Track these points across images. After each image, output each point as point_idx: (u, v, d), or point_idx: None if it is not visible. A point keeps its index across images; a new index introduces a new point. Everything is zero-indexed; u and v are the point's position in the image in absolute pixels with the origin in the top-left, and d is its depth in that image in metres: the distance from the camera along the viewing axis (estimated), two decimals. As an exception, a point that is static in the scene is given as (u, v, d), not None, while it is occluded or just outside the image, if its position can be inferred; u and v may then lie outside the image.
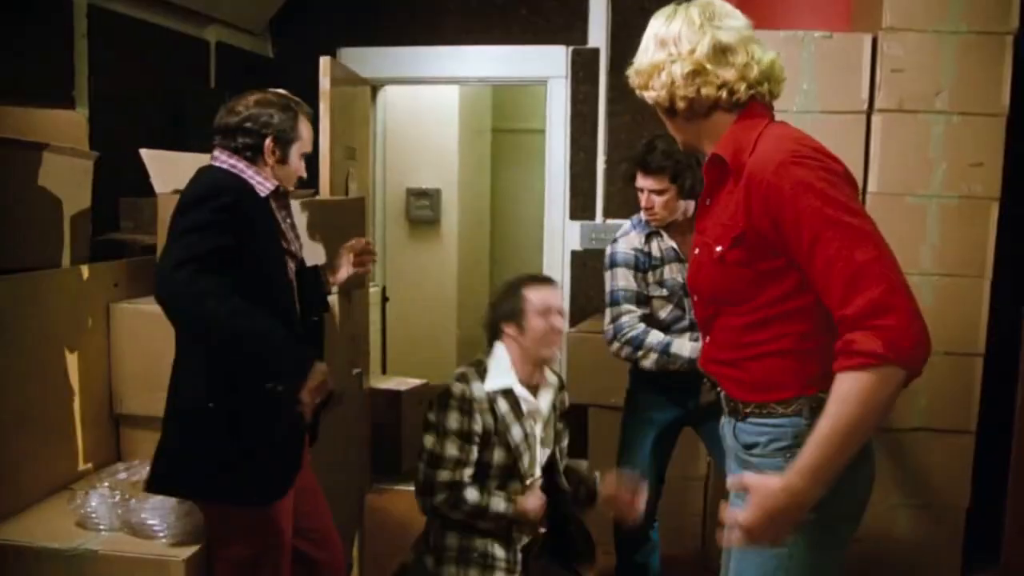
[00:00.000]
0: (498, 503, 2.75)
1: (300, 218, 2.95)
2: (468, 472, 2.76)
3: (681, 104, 1.85)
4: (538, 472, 2.90)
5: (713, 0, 1.88)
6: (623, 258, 3.19)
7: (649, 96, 1.91)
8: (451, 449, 2.73)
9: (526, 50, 4.64)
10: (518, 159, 7.62)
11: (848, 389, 1.60)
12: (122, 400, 2.96)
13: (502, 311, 2.86)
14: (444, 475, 2.73)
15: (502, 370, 2.83)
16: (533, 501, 2.81)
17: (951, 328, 3.58)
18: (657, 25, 1.90)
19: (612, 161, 4.63)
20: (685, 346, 3.05)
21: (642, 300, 3.17)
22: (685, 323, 3.15)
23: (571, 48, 4.63)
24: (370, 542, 3.84)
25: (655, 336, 3.09)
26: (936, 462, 3.66)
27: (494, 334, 2.88)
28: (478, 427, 2.75)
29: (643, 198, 3.12)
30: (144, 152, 3.07)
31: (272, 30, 4.85)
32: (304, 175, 2.56)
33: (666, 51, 1.85)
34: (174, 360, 2.44)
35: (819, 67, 3.54)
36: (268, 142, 2.40)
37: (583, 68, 4.63)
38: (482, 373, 2.82)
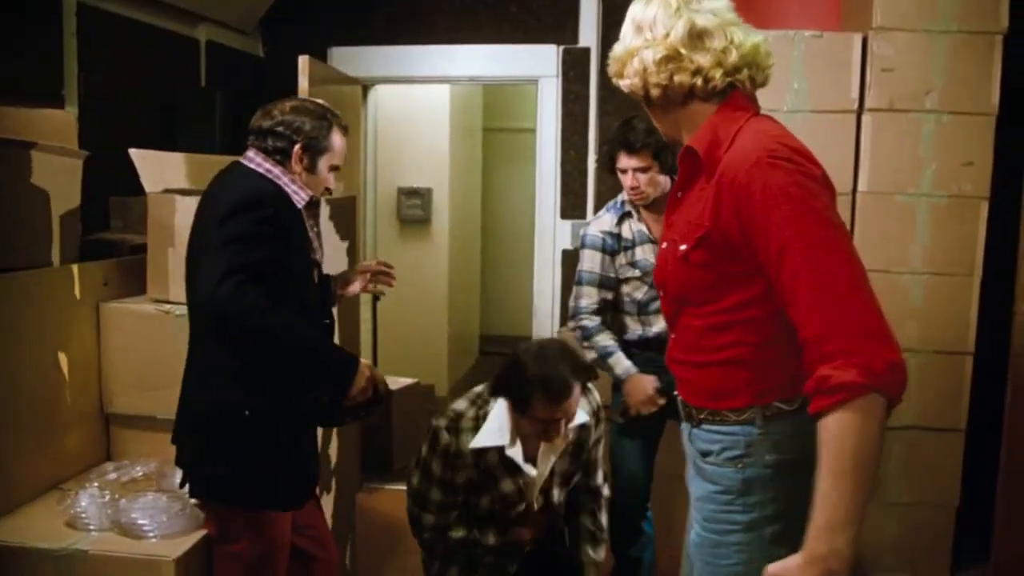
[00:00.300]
0: (488, 536, 2.74)
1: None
2: (454, 514, 2.75)
3: (655, 92, 1.76)
4: (536, 505, 2.79)
5: None
6: (591, 240, 3.26)
7: (624, 84, 1.82)
8: (435, 494, 2.72)
9: (517, 49, 4.64)
10: (509, 158, 7.64)
11: (836, 432, 1.51)
12: (112, 400, 2.96)
13: (507, 388, 2.60)
14: (428, 519, 2.75)
15: (497, 428, 2.65)
16: (525, 532, 2.79)
17: (941, 327, 3.59)
18: (635, 10, 1.80)
19: (601, 161, 4.63)
20: (621, 364, 3.16)
21: (607, 284, 3.23)
22: (659, 303, 3.15)
23: (562, 47, 4.62)
24: (361, 541, 3.84)
25: (603, 340, 3.19)
26: (926, 460, 3.67)
27: (497, 392, 2.67)
28: (461, 479, 2.69)
29: (627, 178, 3.14)
30: (133, 152, 3.07)
31: (263, 29, 4.84)
32: (332, 187, 2.56)
33: (642, 37, 1.76)
34: (194, 363, 2.44)
35: (809, 66, 3.55)
36: (297, 148, 2.41)
37: (574, 67, 4.63)
38: (477, 421, 2.67)
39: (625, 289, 3.25)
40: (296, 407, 2.38)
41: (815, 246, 1.56)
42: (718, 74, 1.71)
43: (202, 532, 2.51)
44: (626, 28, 1.81)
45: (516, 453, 2.64)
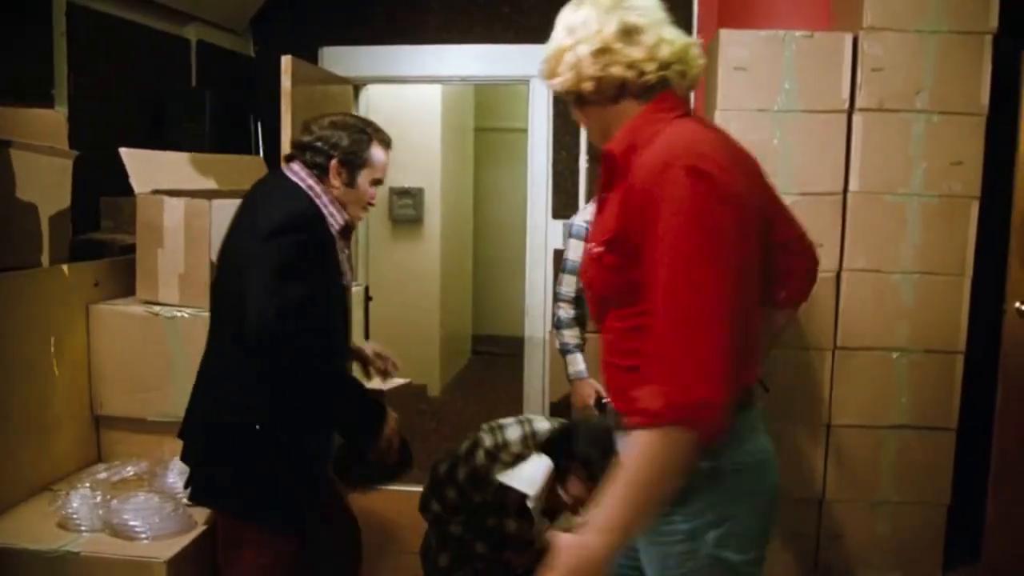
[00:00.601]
0: (478, 545, 2.81)
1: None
2: (459, 517, 2.81)
3: (588, 86, 1.73)
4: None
5: None
6: (575, 230, 3.42)
7: (556, 83, 1.78)
8: (450, 492, 2.78)
9: (508, 49, 4.64)
10: (500, 158, 7.64)
11: (636, 449, 1.51)
12: (102, 401, 2.96)
13: (553, 453, 2.67)
14: (435, 507, 2.83)
15: (529, 477, 2.68)
16: (518, 559, 2.85)
17: (932, 326, 3.61)
18: (566, 14, 1.80)
19: (594, 160, 4.64)
20: (575, 364, 3.39)
21: None
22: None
23: (553, 47, 4.62)
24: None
25: (568, 335, 3.41)
26: (917, 459, 3.68)
27: (544, 450, 2.72)
28: (477, 498, 2.76)
29: None
30: (124, 151, 3.07)
31: (254, 29, 4.83)
32: (375, 203, 2.58)
33: (573, 36, 1.74)
34: (212, 365, 2.44)
35: (800, 66, 3.56)
36: (334, 163, 2.43)
37: (565, 67, 4.62)
38: (517, 459, 2.73)
39: None
40: (317, 432, 2.43)
41: (690, 267, 1.52)
42: (651, 67, 1.70)
43: (194, 533, 2.51)
44: (557, 31, 1.80)
45: (536, 508, 2.66)
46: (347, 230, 2.51)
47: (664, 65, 1.71)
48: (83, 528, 2.50)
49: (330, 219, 2.42)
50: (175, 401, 2.89)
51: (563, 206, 4.73)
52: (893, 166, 3.55)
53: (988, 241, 3.61)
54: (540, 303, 4.76)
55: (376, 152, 2.50)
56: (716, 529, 1.69)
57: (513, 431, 2.78)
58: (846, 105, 3.56)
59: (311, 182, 2.42)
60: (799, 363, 3.67)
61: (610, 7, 1.72)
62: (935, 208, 3.55)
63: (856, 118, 3.55)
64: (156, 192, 2.96)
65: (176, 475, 2.75)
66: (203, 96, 4.05)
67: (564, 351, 3.41)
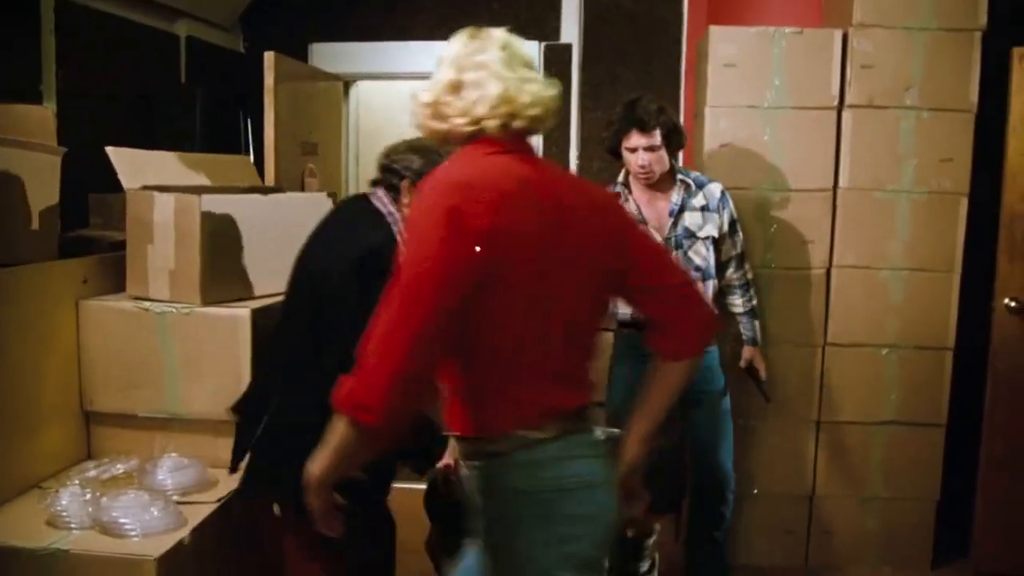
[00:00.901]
0: None
1: (257, 214, 2.99)
2: None
3: (423, 132, 1.93)
4: None
5: (493, 35, 1.93)
6: None
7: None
8: None
9: (499, 45, 4.63)
10: (492, 155, 7.61)
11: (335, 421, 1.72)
12: (92, 397, 2.95)
13: None
14: None
15: None
16: None
17: (921, 323, 3.63)
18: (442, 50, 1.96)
19: (585, 157, 4.64)
20: None
21: None
22: None
23: (543, 44, 4.63)
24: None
25: None
26: (906, 455, 3.70)
27: None
28: None
29: (636, 158, 3.20)
30: (110, 150, 3.06)
31: (243, 25, 4.82)
32: None
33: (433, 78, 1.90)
34: (296, 367, 2.45)
35: (789, 63, 3.57)
36: (405, 183, 2.50)
37: (556, 63, 4.63)
38: None
39: None
40: None
41: (406, 277, 1.66)
42: (462, 121, 1.82)
43: (184, 530, 2.51)
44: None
45: None
46: None
47: (476, 121, 1.81)
48: (73, 526, 2.49)
49: (401, 246, 2.49)
50: (165, 397, 2.89)
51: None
52: (883, 163, 3.56)
53: (977, 237, 3.63)
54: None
55: None
56: (545, 549, 1.79)
57: None
58: (836, 102, 3.57)
59: (391, 208, 2.53)
60: (789, 359, 3.68)
61: (451, 61, 1.88)
62: (924, 204, 3.57)
63: (846, 115, 3.57)
64: (146, 188, 2.96)
65: (166, 472, 2.74)
66: (193, 93, 4.04)
67: None
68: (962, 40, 3.48)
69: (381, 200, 2.53)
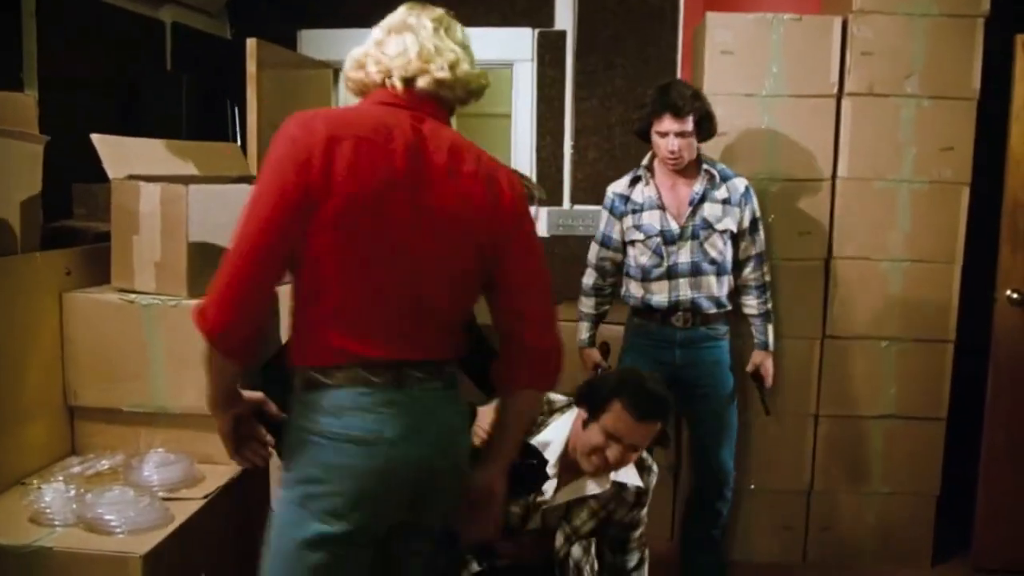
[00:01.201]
0: None
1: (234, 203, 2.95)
2: None
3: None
4: (540, 527, 2.61)
5: (434, 10, 2.08)
6: (605, 201, 3.45)
7: None
8: None
9: (491, 32, 4.61)
10: (483, 144, 7.52)
11: None
12: (76, 392, 2.93)
13: (589, 394, 2.54)
14: None
15: (556, 435, 2.57)
16: (506, 547, 2.61)
17: (921, 315, 3.64)
18: None
19: (579, 147, 4.63)
20: (581, 332, 3.53)
21: (609, 244, 3.45)
22: (661, 270, 3.31)
23: (537, 31, 4.61)
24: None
25: (584, 303, 3.54)
26: (906, 449, 3.71)
27: (578, 396, 2.61)
28: None
29: (667, 143, 3.23)
30: (95, 137, 3.03)
31: (230, 11, 4.79)
32: None
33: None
34: None
35: (788, 50, 3.56)
36: None
37: (549, 51, 4.62)
38: (544, 421, 2.61)
39: (631, 252, 3.39)
40: None
41: (248, 198, 1.80)
42: (375, 70, 1.97)
43: (171, 527, 2.50)
44: None
45: (553, 466, 2.50)
46: None
47: (386, 71, 1.96)
48: (56, 523, 2.47)
49: None
50: (151, 391, 2.87)
51: (548, 193, 4.72)
52: (882, 152, 3.57)
53: (979, 228, 3.64)
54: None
55: None
56: (303, 487, 1.86)
57: None
58: (835, 89, 3.57)
59: None
60: (787, 352, 3.69)
61: (386, 23, 2.07)
62: (925, 194, 3.57)
63: (845, 103, 3.57)
64: (132, 177, 2.94)
65: (152, 468, 2.73)
66: (179, 80, 4.02)
67: (578, 317, 3.54)
68: (964, 26, 3.48)
69: None
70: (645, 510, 2.73)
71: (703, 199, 3.30)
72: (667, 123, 3.20)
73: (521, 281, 2.00)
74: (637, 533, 2.75)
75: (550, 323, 2.03)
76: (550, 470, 2.48)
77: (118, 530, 2.43)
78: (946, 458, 3.72)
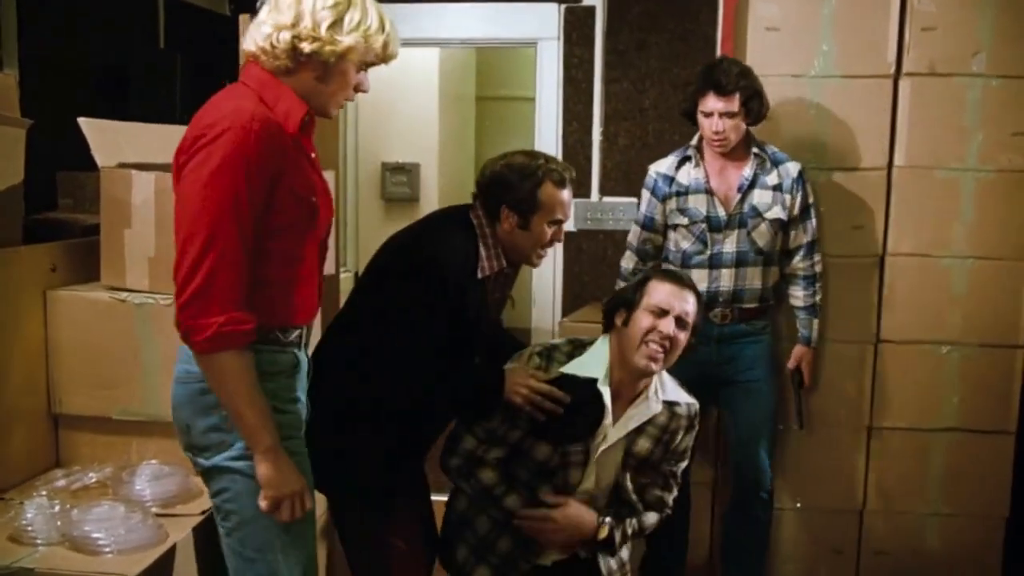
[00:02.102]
0: (513, 501, 2.70)
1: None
2: (495, 453, 2.72)
3: None
4: (593, 488, 2.76)
5: None
6: (647, 180, 3.50)
7: None
8: (493, 419, 2.70)
9: (513, 8, 4.62)
10: (505, 130, 7.61)
11: None
12: (61, 398, 2.94)
13: (620, 297, 2.77)
14: (468, 443, 2.72)
15: (593, 363, 2.71)
16: (551, 544, 2.75)
17: (987, 317, 3.60)
18: None
19: (609, 133, 4.61)
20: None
21: (651, 226, 3.50)
22: (703, 257, 3.39)
23: (564, 6, 4.60)
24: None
25: (630, 282, 3.37)
26: (971, 466, 3.67)
27: (607, 324, 2.79)
28: (525, 417, 2.67)
29: (711, 123, 3.29)
30: (83, 121, 3.04)
31: (229, -15, 4.81)
32: (559, 239, 2.78)
33: None
34: (357, 351, 2.63)
35: (840, 26, 3.54)
36: (504, 207, 2.66)
37: (577, 28, 4.60)
38: (571, 356, 2.74)
39: (672, 236, 3.45)
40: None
41: None
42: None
43: (164, 546, 2.49)
44: None
45: (606, 391, 2.67)
46: (504, 274, 2.76)
47: None
48: (39, 541, 2.47)
49: (483, 263, 2.67)
50: (144, 398, 2.87)
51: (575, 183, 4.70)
52: (945, 137, 3.53)
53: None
54: (548, 290, 4.73)
55: (549, 193, 2.68)
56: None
57: (555, 340, 2.85)
58: (892, 69, 3.54)
59: (485, 224, 2.70)
60: (836, 358, 3.67)
61: None
62: (992, 184, 3.54)
63: (903, 83, 3.54)
64: (123, 166, 2.94)
65: (144, 481, 2.73)
66: (172, 59, 4.03)
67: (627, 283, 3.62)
68: (1037, -2, 3.45)
69: (478, 216, 2.71)
70: (694, 435, 2.86)
71: (752, 185, 3.35)
72: (711, 102, 3.25)
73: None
74: (684, 465, 2.91)
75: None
76: (605, 391, 2.67)
77: (107, 549, 2.44)
78: (1016, 476, 3.67)
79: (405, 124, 6.33)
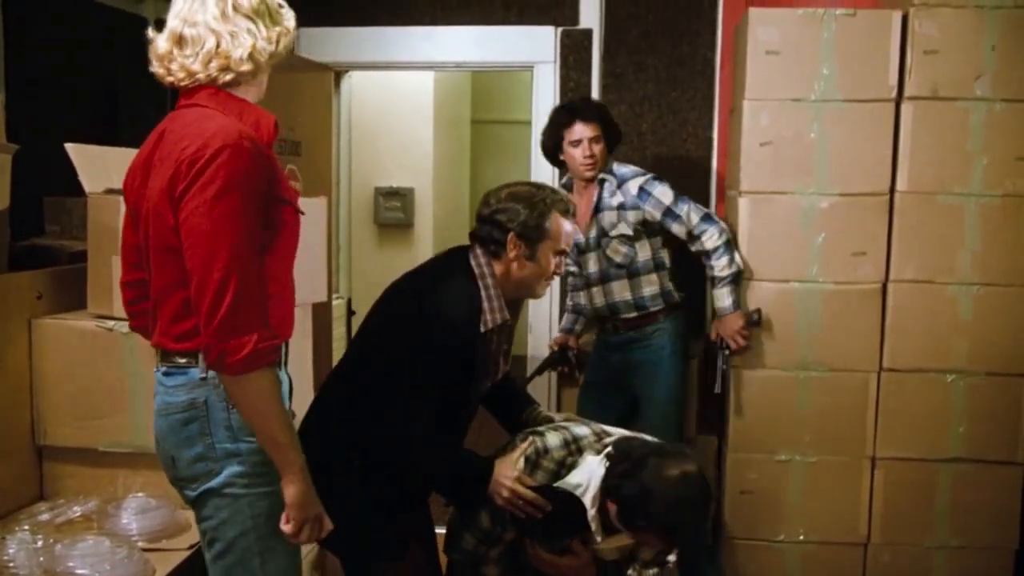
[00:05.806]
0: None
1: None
2: (496, 551, 2.77)
3: None
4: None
5: None
6: None
7: None
8: (483, 519, 2.72)
9: (509, 31, 4.63)
10: (501, 154, 7.65)
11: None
12: (46, 430, 2.93)
13: (624, 501, 2.61)
14: (468, 543, 2.76)
15: (577, 485, 2.68)
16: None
17: (993, 344, 3.59)
18: None
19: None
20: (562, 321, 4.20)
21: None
22: (581, 280, 3.88)
23: (560, 29, 4.61)
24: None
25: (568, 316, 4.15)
26: (978, 497, 3.65)
27: (610, 493, 2.68)
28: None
29: (581, 149, 3.66)
30: (70, 147, 3.04)
31: (221, 7, 4.81)
32: (561, 271, 2.83)
33: None
34: (358, 394, 2.61)
35: (841, 49, 3.54)
36: (511, 236, 2.68)
37: (573, 52, 4.61)
38: (560, 466, 2.72)
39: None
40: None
41: None
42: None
43: (150, 582, 2.48)
44: None
45: (593, 519, 2.65)
46: (506, 325, 2.75)
47: None
48: (22, 577, 2.46)
49: (484, 316, 2.64)
50: (131, 429, 2.86)
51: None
52: (948, 162, 3.53)
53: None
54: (545, 317, 4.72)
55: (556, 222, 2.71)
56: None
57: (553, 437, 2.76)
58: (894, 93, 3.55)
59: (485, 269, 2.70)
60: (839, 387, 3.66)
61: None
62: (997, 209, 3.53)
63: (905, 107, 3.54)
64: (110, 191, 2.94)
65: (131, 515, 2.72)
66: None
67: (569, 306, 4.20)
68: (1043, 20, 3.46)
69: (477, 259, 2.70)
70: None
71: (598, 209, 3.71)
72: (579, 130, 3.65)
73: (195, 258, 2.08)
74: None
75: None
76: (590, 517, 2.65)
77: (91, 586, 2.42)
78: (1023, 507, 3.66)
79: (399, 148, 6.35)
